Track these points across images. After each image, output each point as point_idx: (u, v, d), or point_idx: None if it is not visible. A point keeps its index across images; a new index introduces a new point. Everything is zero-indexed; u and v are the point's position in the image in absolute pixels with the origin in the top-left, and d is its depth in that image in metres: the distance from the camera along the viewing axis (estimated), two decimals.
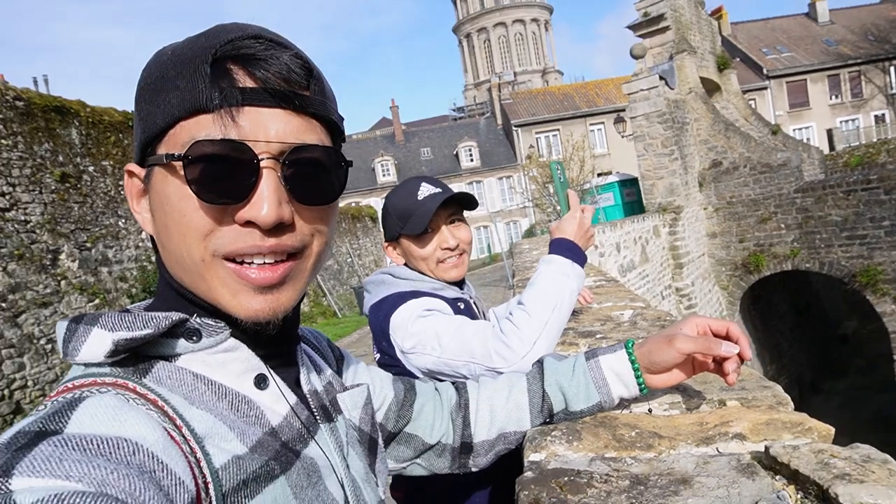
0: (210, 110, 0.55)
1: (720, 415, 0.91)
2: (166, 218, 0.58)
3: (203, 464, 0.53)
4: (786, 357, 17.03)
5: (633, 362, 0.94)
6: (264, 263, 0.58)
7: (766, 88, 35.66)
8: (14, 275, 7.80)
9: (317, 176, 0.60)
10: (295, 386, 0.69)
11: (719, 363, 0.88)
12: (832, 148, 29.18)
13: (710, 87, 17.22)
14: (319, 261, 0.65)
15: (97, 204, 9.47)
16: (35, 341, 7.89)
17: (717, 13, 27.70)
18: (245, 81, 0.56)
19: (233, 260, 0.58)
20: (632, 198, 17.17)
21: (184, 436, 0.53)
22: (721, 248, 15.23)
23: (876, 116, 35.49)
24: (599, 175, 24.48)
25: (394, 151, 42.14)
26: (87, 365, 0.56)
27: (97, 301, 9.16)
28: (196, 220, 0.56)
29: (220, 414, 0.58)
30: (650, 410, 0.98)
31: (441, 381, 1.36)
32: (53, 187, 8.65)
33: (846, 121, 35.44)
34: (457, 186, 38.99)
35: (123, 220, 10.06)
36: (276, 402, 0.64)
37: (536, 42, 71.67)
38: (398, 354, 1.38)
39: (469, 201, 1.53)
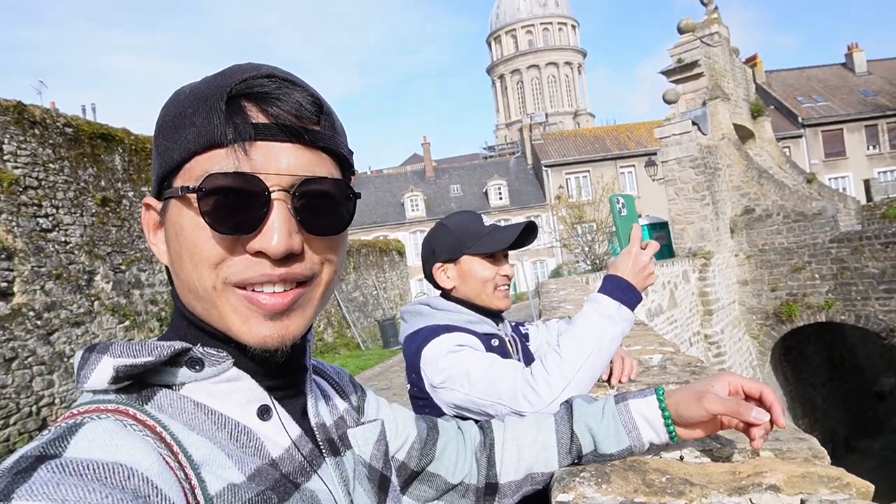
0: (224, 145, 0.58)
1: (753, 465, 0.89)
2: (180, 248, 0.61)
3: (198, 490, 0.54)
4: (819, 412, 16.43)
5: (663, 409, 0.93)
6: (274, 292, 0.60)
7: (800, 137, 35.31)
8: (51, 294, 8.01)
9: (326, 207, 0.62)
10: (301, 418, 0.69)
11: (747, 424, 0.86)
12: (869, 199, 28.58)
13: (744, 134, 17.12)
14: (328, 289, 0.66)
15: (134, 228, 9.72)
16: (65, 359, 8.03)
17: (751, 61, 27.73)
18: (258, 118, 0.59)
19: (243, 288, 0.60)
20: (661, 241, 16.87)
21: (180, 462, 0.54)
22: (752, 296, 14.92)
23: None
24: None
25: (423, 187, 42.55)
26: (94, 392, 0.58)
27: (127, 322, 9.32)
28: (208, 250, 0.59)
29: (219, 443, 0.59)
30: (681, 457, 0.96)
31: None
32: (94, 210, 8.92)
33: (884, 172, 34.77)
34: None
35: None
36: (279, 434, 0.65)
37: (569, 84, 72.42)
38: (427, 388, 1.39)
39: (531, 239, 1.56)
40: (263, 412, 0.64)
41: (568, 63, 72.44)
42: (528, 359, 1.64)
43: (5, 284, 7.41)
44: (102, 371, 0.57)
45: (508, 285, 1.58)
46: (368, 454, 0.77)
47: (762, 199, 14.95)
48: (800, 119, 35.29)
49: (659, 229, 17.44)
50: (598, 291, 1.33)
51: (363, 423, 0.80)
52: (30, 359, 7.53)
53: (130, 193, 9.74)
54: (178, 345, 0.60)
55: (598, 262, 19.84)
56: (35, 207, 7.99)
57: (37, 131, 8.21)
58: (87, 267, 8.69)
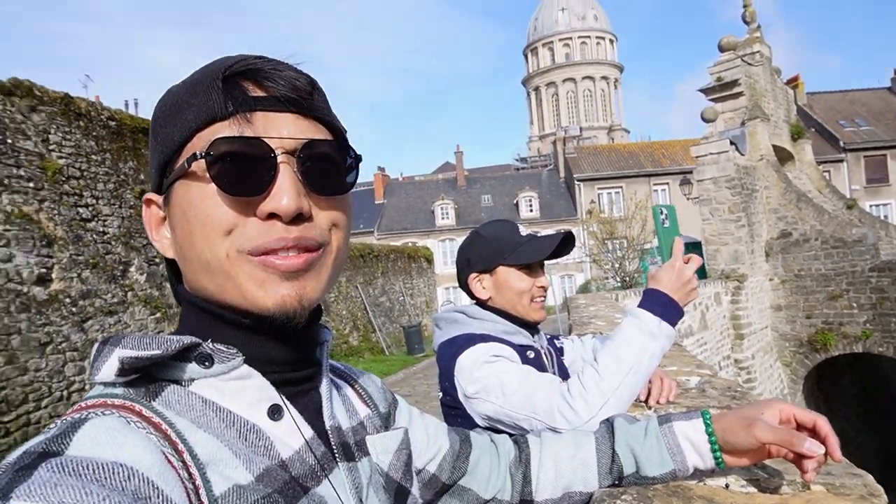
0: (225, 118, 0.59)
1: (805, 499, 0.84)
2: (190, 225, 0.60)
3: (202, 491, 0.52)
4: (852, 445, 15.90)
5: (710, 434, 0.89)
6: (288, 255, 0.60)
7: (842, 161, 34.48)
8: (87, 282, 8.19)
9: (330, 169, 0.63)
10: (315, 419, 0.67)
11: (799, 456, 0.81)
12: None
13: (783, 156, 16.78)
14: (339, 258, 0.66)
15: None
16: None
17: (793, 82, 27.20)
18: (256, 91, 0.61)
19: (258, 255, 0.60)
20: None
21: (184, 461, 0.53)
22: (786, 322, 14.55)
23: None
24: None
25: (455, 196, 42.61)
26: (105, 384, 0.58)
27: (158, 314, 9.49)
28: (220, 217, 0.59)
29: (228, 441, 0.58)
30: (727, 486, 0.92)
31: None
32: (132, 203, 9.12)
33: None
34: None
35: None
36: (290, 435, 0.63)
37: (605, 99, 72.00)
38: (460, 397, 1.37)
39: (568, 250, 1.53)
40: (274, 412, 0.62)
41: (604, 77, 72.05)
42: (563, 373, 1.60)
43: (44, 271, 7.61)
44: (111, 363, 0.56)
45: (545, 297, 1.55)
46: (387, 463, 0.74)
47: (800, 223, 14.61)
48: (841, 143, 34.46)
49: (692, 249, 16.96)
50: (639, 306, 1.28)
51: (384, 432, 0.77)
52: (63, 344, 7.70)
53: None
54: (187, 339, 0.59)
55: (627, 279, 19.57)
56: (76, 197, 8.20)
57: (81, 123, 8.44)
58: (122, 258, 8.88)
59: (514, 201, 41.40)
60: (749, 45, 15.46)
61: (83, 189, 8.33)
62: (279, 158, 0.60)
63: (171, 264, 0.68)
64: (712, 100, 15.39)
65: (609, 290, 16.82)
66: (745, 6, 16.35)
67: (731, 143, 13.87)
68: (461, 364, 1.37)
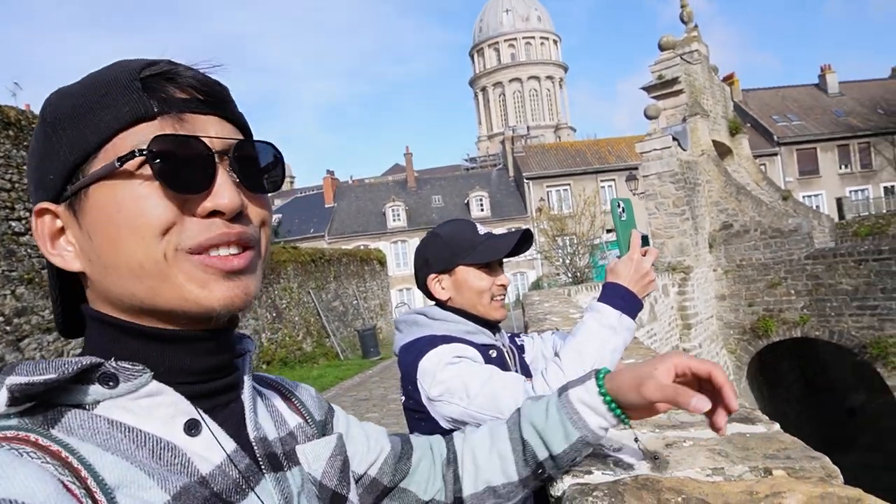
0: (151, 118, 0.58)
1: (770, 484, 0.86)
2: (117, 227, 0.57)
3: None
4: (792, 427, 16.22)
5: (604, 395, 0.87)
6: (230, 254, 0.60)
7: (776, 155, 36.04)
8: (22, 299, 7.79)
9: (258, 168, 0.64)
10: (239, 431, 0.64)
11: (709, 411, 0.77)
12: (842, 217, 29.21)
13: (722, 151, 17.40)
14: (266, 255, 0.67)
15: None
16: None
17: (729, 79, 28.27)
18: (177, 94, 0.60)
19: (197, 255, 0.59)
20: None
21: (87, 487, 0.49)
22: (730, 310, 15.09)
23: (885, 188, 35.67)
24: (608, 231, 24.54)
25: (405, 197, 42.55)
26: None
27: None
28: (157, 216, 0.57)
29: (139, 462, 0.54)
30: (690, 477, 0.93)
31: None
32: None
33: (856, 190, 35.62)
34: None
35: None
36: (209, 450, 0.60)
37: (550, 98, 73.19)
38: (424, 401, 1.34)
39: (526, 247, 1.53)
40: (191, 427, 0.59)
41: (549, 77, 73.24)
42: (525, 371, 1.60)
43: None
44: (1, 394, 0.52)
45: (505, 295, 1.54)
46: (320, 471, 0.72)
47: (740, 214, 15.18)
48: (775, 137, 36.03)
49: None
50: (599, 300, 1.30)
51: (315, 440, 0.75)
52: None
53: None
54: (87, 360, 0.55)
55: (578, 274, 19.93)
56: (7, 210, 7.79)
57: (11, 133, 8.02)
58: None
59: (465, 201, 41.62)
60: (687, 44, 15.97)
61: (14, 202, 7.91)
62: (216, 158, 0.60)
63: (61, 281, 0.64)
64: (654, 97, 15.83)
65: (561, 285, 17.08)
66: (682, 6, 16.89)
67: (674, 139, 14.30)
68: (423, 367, 1.35)
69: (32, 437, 0.51)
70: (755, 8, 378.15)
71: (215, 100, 0.63)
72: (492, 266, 1.51)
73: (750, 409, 1.23)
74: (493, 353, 1.47)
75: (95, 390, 0.56)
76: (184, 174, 0.57)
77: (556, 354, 1.28)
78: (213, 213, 0.59)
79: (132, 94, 0.58)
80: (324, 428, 0.81)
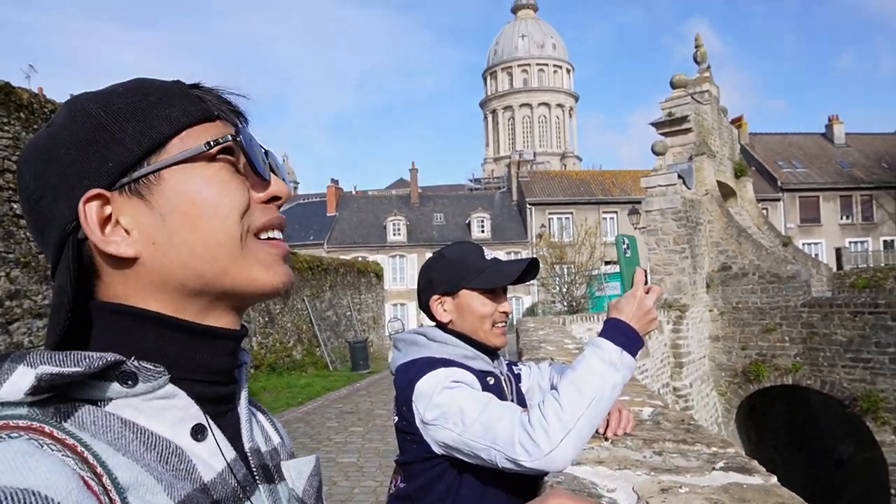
0: (213, 120, 0.65)
1: None
2: (198, 210, 0.61)
3: None
4: (779, 473, 16.21)
5: None
6: (280, 238, 0.68)
7: (779, 200, 36.23)
8: (16, 282, 7.75)
9: (281, 169, 0.73)
10: (235, 441, 0.65)
11: None
12: (840, 267, 29.31)
13: (726, 192, 17.48)
14: None
15: None
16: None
17: (737, 122, 28.51)
18: (223, 106, 0.67)
19: (258, 238, 0.65)
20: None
21: (104, 486, 0.48)
22: (723, 352, 15.04)
23: (885, 241, 35.82)
24: (607, 263, 24.58)
25: (407, 213, 42.62)
26: (3, 404, 0.52)
27: None
28: (240, 198, 0.63)
29: (148, 465, 0.54)
30: None
31: (458, 459, 1.30)
32: None
33: (855, 242, 35.77)
34: None
35: None
36: (213, 457, 0.60)
37: (559, 126, 73.69)
38: (417, 423, 1.32)
39: (532, 276, 1.52)
40: (198, 432, 0.59)
41: (560, 105, 73.82)
42: (521, 401, 1.58)
43: None
44: (18, 380, 0.51)
45: (506, 322, 1.53)
46: (301, 489, 0.72)
47: (739, 257, 15.19)
48: (779, 183, 36.24)
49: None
50: (600, 335, 1.28)
51: (297, 458, 0.76)
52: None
53: None
54: (111, 356, 0.54)
55: (574, 303, 19.90)
56: (10, 192, 7.78)
57: (22, 115, 8.04)
58: None
59: (467, 221, 41.70)
60: (699, 84, 16.13)
61: None
62: None
63: (79, 274, 0.62)
64: (662, 134, 15.92)
65: (556, 313, 17.05)
66: (696, 46, 17.07)
67: (679, 176, 14.36)
68: (420, 389, 1.33)
69: (47, 428, 0.50)
70: (769, 54, 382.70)
71: (241, 118, 0.70)
72: (496, 292, 1.50)
73: (747, 458, 1.21)
74: (491, 381, 1.45)
75: (112, 388, 0.55)
76: (260, 164, 0.67)
77: (554, 387, 1.25)
78: (272, 199, 0.67)
79: (192, 98, 0.65)
80: (292, 456, 0.81)
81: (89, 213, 0.60)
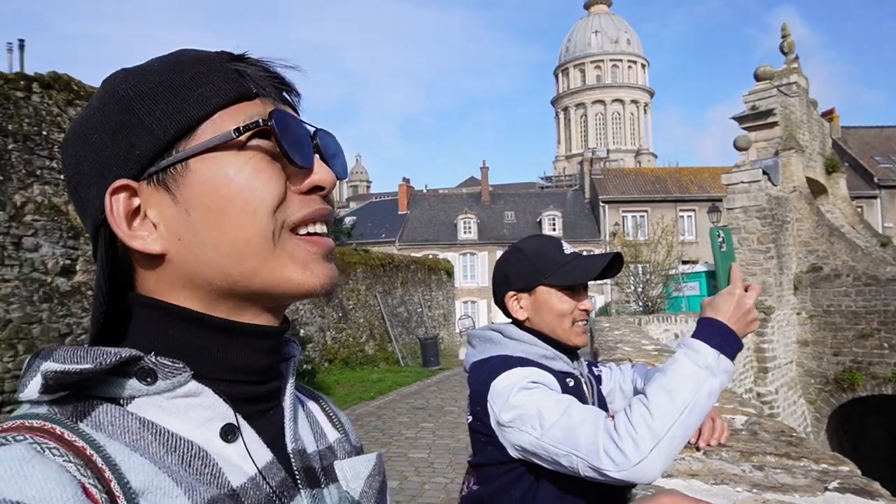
0: (251, 98, 0.58)
1: None
2: (224, 204, 0.55)
3: None
4: None
5: None
6: (322, 234, 0.60)
7: (875, 198, 33.82)
8: None
9: (335, 154, 0.65)
10: (276, 441, 0.60)
11: None
12: None
13: (816, 189, 16.45)
14: None
15: None
16: None
17: (827, 115, 26.75)
18: (266, 81, 0.60)
19: (296, 233, 0.58)
20: (717, 290, 16.46)
21: (110, 491, 0.45)
22: (812, 358, 14.17)
23: None
24: (685, 263, 23.67)
25: (478, 211, 42.61)
26: (31, 403, 0.51)
27: None
28: (271, 191, 0.56)
29: (167, 467, 0.50)
30: None
31: (534, 463, 1.24)
32: None
33: None
34: None
35: None
36: (244, 459, 0.55)
37: (633, 122, 71.78)
38: (492, 424, 1.27)
39: (615, 272, 1.44)
40: (228, 432, 0.55)
41: (634, 101, 71.86)
42: (602, 404, 1.50)
43: (69, 262, 7.67)
44: (36, 379, 0.50)
45: (587, 320, 1.45)
46: (358, 491, 0.65)
47: (831, 257, 14.26)
48: (876, 179, 33.81)
49: (715, 277, 16.89)
50: (694, 336, 1.17)
51: (355, 456, 0.70)
52: (82, 336, 7.73)
53: None
54: (126, 352, 0.51)
55: (650, 304, 19.27)
56: None
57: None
58: None
59: (538, 219, 41.26)
60: (786, 76, 15.24)
61: None
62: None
63: (115, 267, 0.59)
64: (746, 128, 15.16)
65: (630, 313, 16.57)
66: (783, 36, 16.15)
67: (764, 172, 13.63)
68: (495, 388, 1.27)
69: (58, 429, 0.48)
70: (863, 41, 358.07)
71: (292, 93, 0.64)
72: (576, 289, 1.42)
73: (865, 478, 1.08)
74: (571, 382, 1.38)
75: (132, 385, 0.53)
76: (297, 149, 0.58)
77: (642, 392, 1.16)
78: (314, 190, 0.60)
79: (229, 74, 0.58)
80: (358, 454, 0.74)
81: (116, 205, 0.56)
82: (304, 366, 13.10)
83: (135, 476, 0.48)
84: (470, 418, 1.36)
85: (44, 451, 0.45)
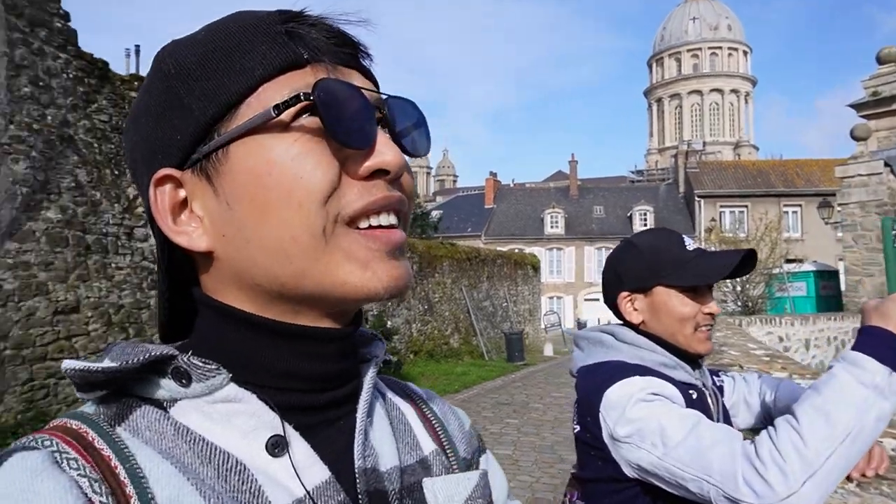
0: (302, 66, 0.49)
1: None
2: (266, 195, 0.47)
3: None
4: None
5: None
6: (391, 225, 0.50)
7: None
8: None
9: (411, 126, 0.55)
10: (344, 456, 0.52)
11: None
12: None
13: None
14: (407, 233, 0.55)
15: None
16: None
17: None
18: (324, 43, 0.50)
19: (355, 227, 0.49)
20: (828, 291, 15.37)
21: None
22: None
23: None
24: (789, 262, 22.21)
25: (566, 205, 41.96)
26: (90, 401, 0.50)
27: None
28: (318, 179, 0.47)
29: (200, 481, 0.45)
30: None
31: (653, 485, 1.12)
32: None
33: None
34: None
35: None
36: (292, 478, 0.48)
37: (733, 113, 68.20)
38: (605, 438, 1.15)
39: (747, 270, 1.30)
40: (275, 445, 0.48)
41: (734, 91, 68.23)
42: (727, 419, 1.34)
43: None
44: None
45: (712, 325, 1.30)
46: None
47: None
48: None
49: (827, 278, 15.75)
50: (855, 349, 1.00)
51: (452, 473, 0.59)
52: None
53: None
54: (157, 350, 0.47)
55: (750, 304, 18.21)
56: None
57: None
58: None
59: (628, 214, 40.10)
60: None
61: None
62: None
63: (172, 262, 0.55)
64: (864, 116, 13.97)
65: (728, 314, 15.72)
66: None
67: (886, 164, 12.53)
68: (610, 399, 1.16)
69: (91, 434, 0.45)
70: None
71: (358, 53, 0.53)
72: (699, 290, 1.27)
73: None
74: (694, 395, 1.24)
75: (171, 386, 0.48)
76: (349, 126, 0.48)
77: (790, 412, 0.99)
78: (374, 175, 0.49)
79: (277, 38, 0.49)
80: (467, 468, 0.63)
81: (160, 197, 0.51)
82: (390, 357, 13.36)
83: (161, 490, 0.43)
84: (577, 428, 1.25)
85: (61, 462, 0.42)
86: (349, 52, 0.52)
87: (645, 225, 38.58)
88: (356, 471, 0.51)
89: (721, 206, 37.19)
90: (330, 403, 0.53)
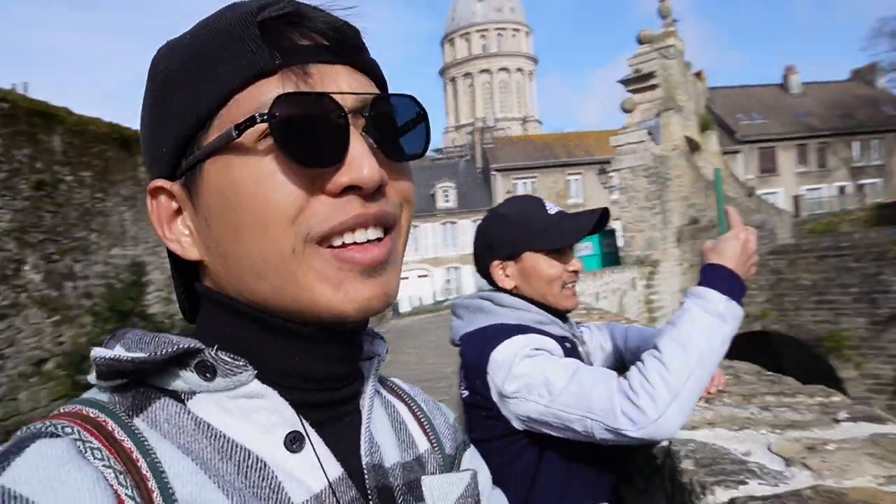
0: (272, 72, 0.46)
1: None
2: (237, 215, 0.46)
3: None
4: None
5: None
6: (367, 242, 0.48)
7: (738, 152, 36.90)
8: None
9: (401, 129, 0.52)
10: (352, 453, 0.53)
11: None
12: (797, 214, 30.13)
13: (692, 146, 17.64)
14: (406, 239, 0.55)
15: (71, 215, 9.07)
16: None
17: (696, 76, 28.68)
18: (301, 40, 0.48)
19: (328, 246, 0.47)
20: (609, 248, 17.40)
21: (151, 502, 0.41)
22: None
23: (839, 187, 36.89)
24: None
25: None
26: (99, 387, 0.48)
27: (57, 317, 8.68)
28: (283, 199, 0.46)
29: (220, 476, 0.45)
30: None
31: (542, 433, 1.19)
32: (27, 194, 8.25)
33: (812, 189, 36.75)
34: (431, 227, 39.06)
35: (96, 234, 9.67)
36: (309, 473, 0.49)
37: (519, 90, 73.41)
38: (494, 397, 1.21)
39: (604, 226, 1.40)
40: (293, 441, 0.49)
41: (519, 69, 73.42)
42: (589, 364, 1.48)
43: None
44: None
45: (576, 281, 1.41)
46: None
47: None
48: (737, 135, 36.84)
49: (608, 236, 17.82)
50: (700, 284, 1.14)
51: (446, 473, 0.62)
52: None
53: (69, 178, 9.10)
54: (185, 343, 0.46)
55: None
56: None
57: None
58: (14, 255, 8.03)
59: (431, 192, 41.48)
60: (664, 39, 16.09)
61: None
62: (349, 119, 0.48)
63: (179, 263, 0.54)
64: (631, 91, 15.91)
65: None
66: (661, 0, 16.99)
67: (649, 133, 14.41)
68: (496, 359, 1.22)
69: (111, 424, 0.43)
70: (726, 5, 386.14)
71: (346, 45, 0.50)
72: (562, 250, 1.38)
73: (867, 407, 1.13)
74: (569, 346, 1.36)
75: (191, 379, 0.47)
76: (313, 143, 0.45)
77: (654, 346, 1.13)
78: (349, 189, 0.47)
79: (249, 42, 0.46)
80: (452, 464, 0.65)
81: (154, 206, 0.51)
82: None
83: (181, 486, 0.42)
84: (466, 393, 1.29)
85: (85, 452, 0.40)
86: (333, 46, 0.49)
87: (447, 201, 40.28)
88: (364, 467, 0.52)
89: (514, 179, 40.10)
90: (338, 400, 0.53)
